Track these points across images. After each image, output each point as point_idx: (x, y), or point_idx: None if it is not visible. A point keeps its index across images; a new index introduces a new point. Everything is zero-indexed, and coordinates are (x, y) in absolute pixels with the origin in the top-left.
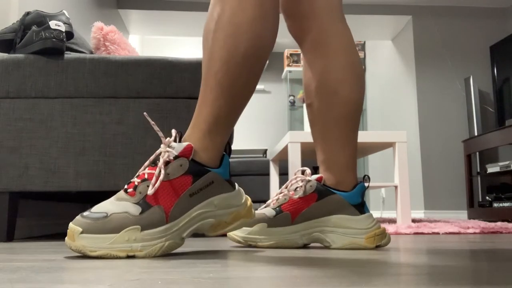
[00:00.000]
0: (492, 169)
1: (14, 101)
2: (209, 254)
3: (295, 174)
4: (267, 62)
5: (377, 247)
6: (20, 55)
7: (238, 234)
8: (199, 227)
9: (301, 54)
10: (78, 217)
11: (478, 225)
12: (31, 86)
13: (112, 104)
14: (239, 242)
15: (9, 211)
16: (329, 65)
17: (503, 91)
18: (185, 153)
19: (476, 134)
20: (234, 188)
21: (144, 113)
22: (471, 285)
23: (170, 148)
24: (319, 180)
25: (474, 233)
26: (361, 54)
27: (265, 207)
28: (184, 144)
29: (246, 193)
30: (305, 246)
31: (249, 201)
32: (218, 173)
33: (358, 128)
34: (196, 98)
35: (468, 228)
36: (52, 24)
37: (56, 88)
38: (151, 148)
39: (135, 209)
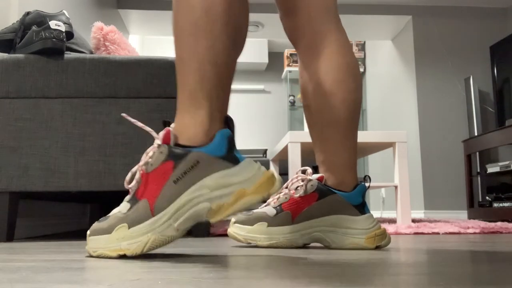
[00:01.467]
0: (492, 169)
1: (14, 101)
2: (209, 254)
3: (296, 173)
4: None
5: (377, 247)
6: (20, 55)
7: (238, 232)
8: (194, 215)
9: (298, 56)
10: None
11: (478, 225)
12: (31, 86)
13: (112, 104)
14: (239, 240)
15: (9, 211)
16: (325, 66)
17: (503, 91)
18: (166, 139)
19: (476, 134)
20: (235, 163)
21: (122, 114)
22: (471, 285)
23: (157, 138)
24: (320, 179)
25: (474, 233)
26: (361, 54)
27: (266, 205)
28: (164, 130)
29: None
30: (305, 246)
31: (266, 174)
32: (204, 151)
33: (357, 128)
34: None
35: (468, 228)
36: (52, 24)
37: (56, 88)
38: None
39: (125, 207)
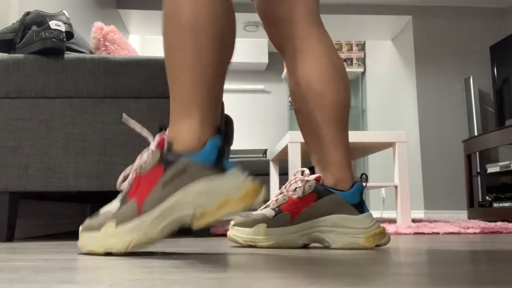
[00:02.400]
0: (492, 169)
1: (14, 101)
2: (209, 254)
3: (294, 175)
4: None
5: (377, 246)
6: (20, 55)
7: (237, 235)
8: (178, 219)
9: (285, 62)
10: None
11: (478, 225)
12: (31, 86)
13: (112, 104)
14: (238, 243)
15: (9, 211)
16: (311, 69)
17: (503, 91)
18: (160, 144)
19: (476, 134)
20: (222, 172)
21: (124, 114)
22: (471, 285)
23: (152, 143)
24: (317, 179)
25: (474, 233)
26: (361, 54)
27: (265, 207)
28: (159, 136)
29: None
30: (305, 246)
31: (252, 186)
32: (193, 160)
33: (348, 127)
34: None
35: (468, 228)
36: (52, 24)
37: (56, 88)
38: None
39: (115, 206)
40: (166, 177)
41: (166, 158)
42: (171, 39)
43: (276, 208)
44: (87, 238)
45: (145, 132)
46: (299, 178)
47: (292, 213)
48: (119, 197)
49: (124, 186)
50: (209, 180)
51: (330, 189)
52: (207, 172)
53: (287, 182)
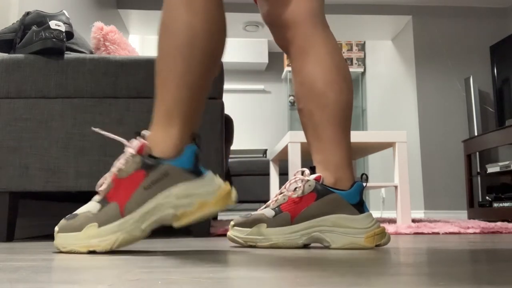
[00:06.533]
0: (492, 169)
1: (14, 101)
2: (209, 254)
3: (294, 175)
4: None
5: (377, 246)
6: (20, 55)
7: (237, 235)
8: (159, 219)
9: (290, 62)
10: (63, 219)
11: (478, 225)
12: (31, 86)
13: (112, 104)
14: (238, 243)
15: (9, 211)
16: (315, 69)
17: (503, 91)
18: (139, 150)
19: (476, 134)
20: (199, 176)
21: (92, 128)
22: (471, 285)
23: (131, 148)
24: (317, 179)
25: (474, 233)
26: (361, 54)
27: (265, 207)
28: (139, 141)
29: (246, 193)
30: (305, 246)
31: (225, 189)
32: (174, 165)
33: (350, 128)
34: None
35: (468, 228)
36: (52, 24)
37: (56, 88)
38: None
39: (95, 207)
40: (149, 181)
41: (147, 163)
42: (166, 46)
43: (276, 208)
44: (67, 239)
45: (118, 138)
46: (299, 178)
47: (292, 212)
48: (97, 198)
49: (103, 188)
50: (188, 183)
51: (330, 189)
52: (186, 176)
53: (287, 182)
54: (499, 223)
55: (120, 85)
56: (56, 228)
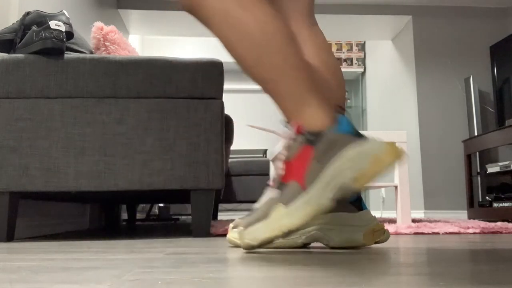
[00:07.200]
0: (492, 169)
1: (14, 101)
2: (209, 254)
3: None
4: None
5: (376, 243)
6: (20, 55)
7: (237, 237)
8: (342, 185)
9: None
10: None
11: (478, 225)
12: (31, 86)
13: (112, 104)
14: (239, 246)
15: (9, 211)
16: None
17: (503, 91)
18: (298, 130)
19: (476, 134)
20: (361, 138)
21: (247, 124)
22: (471, 285)
23: (289, 132)
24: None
25: (474, 233)
26: (361, 54)
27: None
28: (293, 124)
29: (245, 193)
30: (305, 246)
31: (389, 143)
32: (337, 132)
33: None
34: (196, 98)
35: (468, 228)
36: (52, 24)
37: (56, 88)
38: (151, 148)
39: (276, 193)
40: (319, 152)
41: (310, 138)
42: (249, 52)
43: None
44: (257, 230)
45: (270, 129)
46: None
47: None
48: (272, 189)
49: (277, 176)
50: (355, 144)
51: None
52: (351, 139)
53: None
54: (499, 223)
55: (120, 85)
56: (241, 227)
